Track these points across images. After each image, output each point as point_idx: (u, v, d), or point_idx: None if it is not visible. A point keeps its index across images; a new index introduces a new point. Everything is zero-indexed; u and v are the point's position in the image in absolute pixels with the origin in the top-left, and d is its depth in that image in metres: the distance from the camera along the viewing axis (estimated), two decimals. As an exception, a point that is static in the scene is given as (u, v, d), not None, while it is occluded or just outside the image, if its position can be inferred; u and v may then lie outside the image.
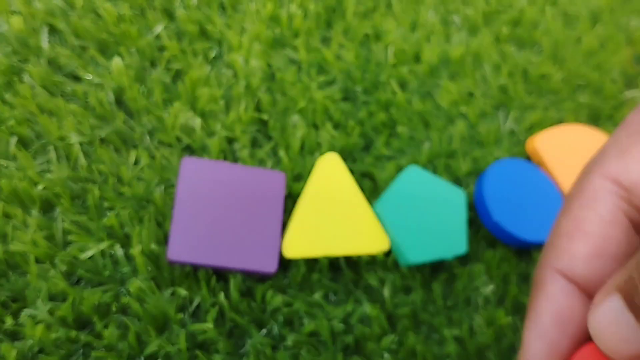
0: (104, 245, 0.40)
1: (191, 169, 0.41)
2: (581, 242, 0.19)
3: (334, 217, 0.42)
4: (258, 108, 0.49)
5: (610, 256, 0.19)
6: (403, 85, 0.54)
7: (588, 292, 0.19)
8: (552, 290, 0.20)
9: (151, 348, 0.37)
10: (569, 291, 0.20)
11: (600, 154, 0.20)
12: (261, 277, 0.42)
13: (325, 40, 0.55)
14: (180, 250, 0.39)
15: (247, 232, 0.41)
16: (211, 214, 0.41)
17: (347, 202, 0.43)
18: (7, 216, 0.40)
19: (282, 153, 0.46)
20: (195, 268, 0.40)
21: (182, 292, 0.39)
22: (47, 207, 0.41)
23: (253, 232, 0.41)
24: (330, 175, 0.43)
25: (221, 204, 0.41)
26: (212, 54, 0.51)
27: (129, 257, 0.40)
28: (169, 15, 0.52)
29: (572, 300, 0.19)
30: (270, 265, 0.40)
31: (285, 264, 0.42)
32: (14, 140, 0.42)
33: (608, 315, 0.16)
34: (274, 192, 0.43)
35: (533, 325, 0.20)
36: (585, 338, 0.19)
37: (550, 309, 0.20)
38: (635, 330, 0.16)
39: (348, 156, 0.48)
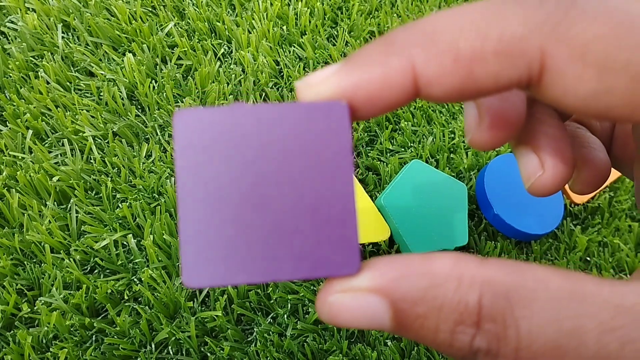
0: (117, 235, 0.41)
1: (191, 129, 0.21)
2: (447, 54, 0.17)
3: None
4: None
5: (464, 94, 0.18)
6: (407, 82, 0.55)
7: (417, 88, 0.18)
8: (395, 73, 0.18)
9: (162, 335, 0.39)
10: (404, 76, 0.18)
11: None
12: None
13: (331, 38, 0.57)
14: (200, 271, 0.22)
15: (300, 217, 0.21)
16: (238, 197, 0.21)
17: None
18: (23, 207, 0.41)
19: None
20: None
21: (192, 281, 0.41)
22: (62, 198, 0.42)
23: (310, 215, 0.21)
24: None
25: (252, 176, 0.21)
26: (222, 51, 0.52)
27: (141, 247, 0.42)
28: (180, 13, 0.54)
29: (405, 91, 0.18)
30: (349, 264, 0.21)
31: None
32: (29, 134, 0.43)
33: (364, 309, 0.18)
34: (335, 137, 0.21)
35: (354, 70, 0.18)
36: (376, 112, 0.18)
37: (381, 82, 0.18)
38: (388, 327, 0.17)
39: (353, 150, 0.50)
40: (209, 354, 0.39)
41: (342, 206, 0.22)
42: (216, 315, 0.40)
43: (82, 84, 0.47)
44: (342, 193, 0.22)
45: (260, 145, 0.20)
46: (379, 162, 0.49)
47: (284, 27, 0.55)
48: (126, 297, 0.40)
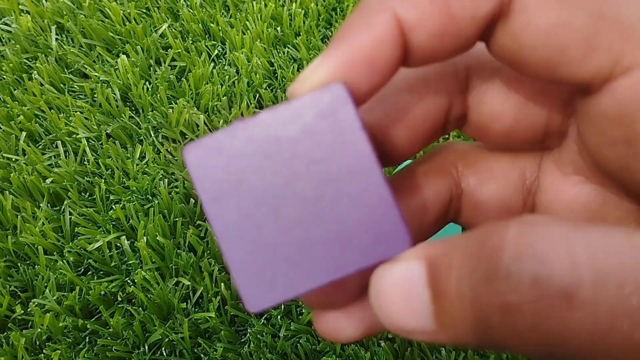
0: (110, 237, 0.41)
1: (204, 161, 0.14)
2: (437, 10, 0.17)
3: None
4: (260, 104, 0.50)
5: (450, 44, 0.17)
6: (402, 82, 0.55)
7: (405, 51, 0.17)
8: (381, 22, 0.17)
9: (155, 336, 0.39)
10: (395, 35, 0.17)
11: None
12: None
13: (326, 39, 0.57)
14: (261, 293, 0.18)
15: (337, 213, 0.18)
16: (271, 212, 0.19)
17: None
18: (16, 209, 0.41)
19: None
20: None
21: (186, 282, 0.41)
22: (56, 200, 0.42)
23: (345, 208, 0.17)
24: None
25: (275, 188, 0.17)
26: (216, 52, 0.52)
27: (134, 249, 0.42)
28: (174, 14, 0.54)
29: (393, 42, 0.16)
30: (400, 243, 0.20)
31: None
32: (23, 135, 0.43)
33: (402, 281, 0.15)
34: (343, 121, 0.18)
35: (343, 44, 0.16)
36: (377, 81, 0.17)
37: (369, 43, 0.17)
38: (423, 307, 0.14)
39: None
40: (202, 355, 0.39)
41: (373, 188, 0.18)
42: (209, 317, 0.40)
43: (75, 86, 0.47)
44: (367, 174, 0.18)
45: (273, 155, 0.18)
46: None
47: (278, 28, 0.55)
48: (119, 299, 0.40)
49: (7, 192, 0.41)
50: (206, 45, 0.52)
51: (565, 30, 0.16)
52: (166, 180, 0.44)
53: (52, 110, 0.45)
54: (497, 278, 0.12)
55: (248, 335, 0.41)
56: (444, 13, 0.16)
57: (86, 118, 0.45)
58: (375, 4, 0.16)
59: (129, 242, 0.42)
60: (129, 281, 0.41)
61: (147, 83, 0.49)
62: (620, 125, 0.17)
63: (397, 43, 0.16)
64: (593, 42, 0.16)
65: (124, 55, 0.49)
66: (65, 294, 0.39)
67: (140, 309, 0.40)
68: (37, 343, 0.38)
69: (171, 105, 0.48)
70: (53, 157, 0.44)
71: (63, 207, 0.42)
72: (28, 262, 0.40)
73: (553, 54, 0.17)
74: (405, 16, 0.16)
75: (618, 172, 0.17)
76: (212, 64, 0.51)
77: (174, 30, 0.52)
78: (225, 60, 0.52)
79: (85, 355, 0.37)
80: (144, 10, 0.53)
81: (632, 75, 0.16)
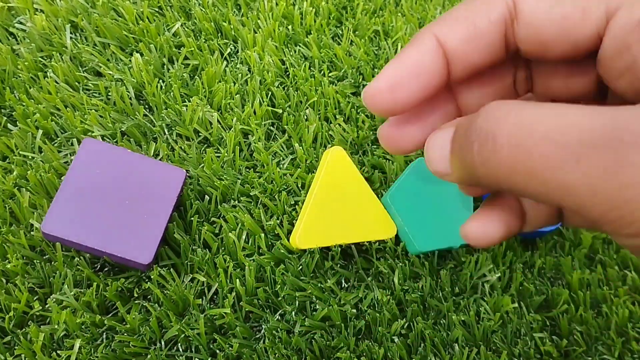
0: (126, 233, 0.42)
1: (90, 150, 0.41)
2: (464, 25, 0.24)
3: (343, 207, 0.44)
4: (272, 102, 0.51)
5: (477, 46, 0.24)
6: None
7: (448, 62, 0.25)
8: (425, 45, 0.24)
9: (172, 332, 0.39)
10: (436, 52, 0.24)
11: None
12: (138, 268, 0.41)
13: (337, 37, 0.57)
14: (56, 224, 0.39)
15: (129, 221, 0.40)
16: (98, 196, 0.40)
17: (355, 192, 0.45)
18: (33, 206, 0.42)
19: (296, 145, 0.48)
20: (79, 251, 0.41)
21: (201, 278, 0.41)
22: (72, 197, 0.43)
23: (136, 222, 0.40)
24: (336, 168, 0.45)
25: (111, 189, 0.41)
26: (228, 50, 0.52)
27: (150, 246, 0.42)
28: (186, 13, 0.54)
29: (436, 59, 0.24)
30: (144, 257, 0.40)
31: (298, 252, 0.44)
32: (39, 133, 0.44)
33: (440, 139, 0.24)
34: (169, 188, 0.42)
35: (396, 61, 0.24)
36: (426, 94, 0.25)
37: (415, 56, 0.24)
38: (446, 157, 0.23)
39: (359, 149, 0.50)
40: (217, 351, 0.40)
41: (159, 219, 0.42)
42: (225, 313, 0.40)
43: (90, 84, 0.48)
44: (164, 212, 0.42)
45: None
46: (384, 161, 0.49)
47: (290, 27, 0.55)
48: (136, 295, 0.41)
49: (24, 189, 0.41)
50: (218, 44, 0.53)
51: (560, 6, 0.22)
52: (181, 177, 0.44)
53: (67, 109, 0.45)
54: (470, 133, 0.21)
55: (263, 331, 0.41)
56: (467, 23, 0.24)
57: (101, 116, 0.46)
58: (420, 31, 0.25)
59: (144, 239, 0.42)
60: (144, 277, 0.41)
61: (160, 81, 0.49)
62: (621, 57, 0.22)
63: (437, 52, 0.24)
64: (585, 4, 0.22)
65: (138, 54, 0.49)
66: (82, 290, 0.40)
67: (157, 305, 0.40)
68: (56, 339, 0.38)
69: (185, 104, 0.48)
70: (69, 155, 0.44)
71: (79, 204, 0.43)
72: (46, 258, 0.40)
73: (559, 26, 0.23)
74: (440, 31, 0.24)
75: (635, 97, 0.22)
76: (225, 63, 0.51)
77: (186, 29, 0.53)
78: (238, 58, 0.53)
79: (103, 351, 0.38)
80: (157, 9, 0.53)
81: (620, 14, 0.21)
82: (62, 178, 0.42)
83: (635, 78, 0.22)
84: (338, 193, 0.44)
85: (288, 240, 0.43)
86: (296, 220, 0.45)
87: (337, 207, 0.44)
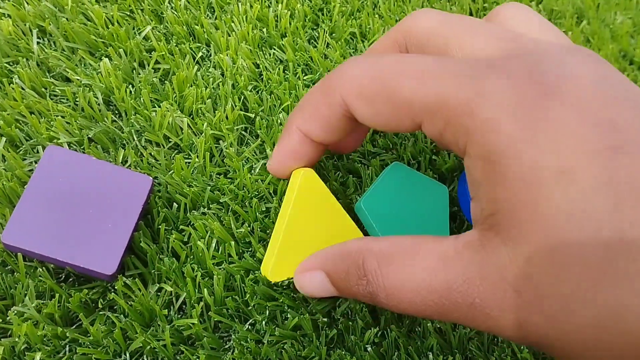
0: (90, 243, 0.41)
1: (53, 158, 0.40)
2: (318, 120, 0.36)
3: (317, 232, 0.41)
4: (245, 107, 0.50)
5: (333, 130, 0.36)
6: (389, 83, 0.54)
7: (316, 142, 0.38)
8: (294, 137, 0.38)
9: (137, 344, 0.38)
10: (304, 141, 0.38)
11: None
12: (103, 279, 0.40)
13: (312, 40, 0.56)
14: (16, 235, 0.38)
15: (93, 231, 0.39)
16: (61, 206, 0.39)
17: (328, 216, 0.42)
18: (-4, 216, 0.41)
19: (269, 151, 0.47)
20: (42, 262, 0.40)
21: (168, 288, 0.40)
22: (36, 206, 0.42)
23: (100, 232, 0.39)
24: (308, 192, 0.41)
25: (74, 198, 0.39)
26: (200, 54, 0.52)
27: (115, 255, 0.41)
28: (158, 16, 0.53)
29: (305, 146, 0.38)
30: (108, 267, 0.39)
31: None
32: (3, 141, 0.43)
33: (314, 281, 0.36)
34: (135, 196, 0.41)
35: (277, 148, 0.40)
36: (309, 163, 0.40)
37: (289, 146, 0.38)
38: (332, 291, 0.35)
39: (333, 153, 0.49)
40: (184, 363, 0.39)
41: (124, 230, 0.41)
42: (192, 323, 0.39)
43: (57, 90, 0.47)
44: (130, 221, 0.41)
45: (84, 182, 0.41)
46: (360, 165, 0.48)
47: (264, 30, 0.54)
48: (100, 306, 0.40)
49: (-14, 198, 0.40)
50: (191, 48, 0.52)
51: (378, 117, 0.33)
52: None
53: (33, 115, 0.44)
54: (350, 274, 0.32)
55: (232, 342, 0.40)
56: (319, 116, 0.36)
57: (68, 122, 0.45)
58: (287, 123, 0.39)
59: (110, 248, 0.41)
60: (110, 288, 0.40)
61: (130, 86, 0.48)
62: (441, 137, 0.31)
63: (304, 141, 0.38)
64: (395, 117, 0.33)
65: (106, 59, 0.48)
66: (45, 301, 0.39)
67: (122, 316, 0.39)
68: (17, 352, 0.37)
69: (154, 109, 0.47)
70: (34, 163, 0.43)
71: (43, 213, 0.41)
72: (7, 269, 0.39)
73: (381, 125, 0.34)
74: (303, 127, 0.37)
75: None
76: (197, 67, 0.50)
77: (157, 32, 0.52)
78: (210, 62, 0.52)
79: (65, 364, 0.37)
80: (128, 13, 0.52)
81: (426, 125, 0.31)
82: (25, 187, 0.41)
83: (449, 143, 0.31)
84: (311, 218, 0.41)
85: (260, 249, 0.42)
86: (268, 239, 0.42)
87: (311, 234, 0.41)
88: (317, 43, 0.55)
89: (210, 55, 0.52)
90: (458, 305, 0.26)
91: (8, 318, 0.38)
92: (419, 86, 0.28)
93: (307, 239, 0.41)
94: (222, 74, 0.51)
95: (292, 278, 0.40)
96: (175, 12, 0.53)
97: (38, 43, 0.48)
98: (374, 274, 0.29)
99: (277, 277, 0.40)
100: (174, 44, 0.51)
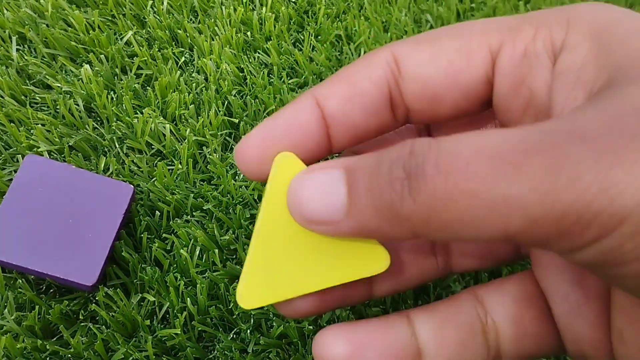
0: (71, 253, 0.40)
1: (32, 167, 0.40)
2: (343, 86, 0.23)
3: (304, 237, 0.25)
4: (229, 112, 0.49)
5: (357, 106, 0.24)
6: (376, 85, 0.54)
7: (327, 123, 0.24)
8: (300, 104, 0.24)
9: (118, 355, 0.37)
10: (312, 110, 0.23)
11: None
12: (84, 290, 0.40)
13: (298, 42, 0.55)
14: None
15: (72, 241, 0.39)
16: (40, 216, 0.39)
17: None
18: (-25, 227, 0.40)
19: (252, 157, 0.46)
20: (22, 273, 0.39)
21: (151, 298, 0.40)
22: (15, 216, 0.41)
23: (80, 242, 0.39)
24: (284, 184, 0.24)
25: (54, 207, 0.39)
26: (183, 59, 0.51)
27: (97, 265, 0.40)
28: (140, 21, 0.52)
29: (310, 118, 0.23)
30: (89, 278, 0.38)
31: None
32: (-19, 150, 0.42)
33: (321, 186, 0.20)
34: (116, 205, 0.40)
35: (269, 119, 0.24)
36: (300, 153, 0.23)
37: (289, 114, 0.24)
38: (335, 203, 0.20)
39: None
40: (167, 374, 0.38)
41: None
42: (175, 333, 0.39)
43: (37, 97, 0.46)
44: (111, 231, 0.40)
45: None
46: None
47: (248, 33, 0.54)
48: (82, 317, 0.39)
49: (-35, 209, 0.40)
50: (173, 52, 0.51)
51: (444, 53, 0.23)
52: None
53: (12, 124, 0.44)
54: (389, 170, 0.18)
55: (216, 351, 0.40)
56: (347, 83, 0.24)
57: (48, 130, 0.44)
58: (301, 95, 0.24)
59: (92, 257, 0.40)
60: (91, 298, 0.40)
61: (111, 92, 0.47)
62: (517, 93, 0.22)
63: (312, 110, 0.23)
64: (467, 48, 0.23)
65: (87, 65, 0.47)
66: (25, 313, 0.38)
67: (104, 327, 0.39)
68: (-3, 365, 0.36)
69: (136, 115, 0.47)
70: (13, 172, 0.42)
71: (23, 223, 0.41)
72: (-14, 281, 0.39)
73: (445, 73, 0.23)
74: (320, 92, 0.24)
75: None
76: (180, 72, 0.50)
77: (139, 37, 0.51)
78: (193, 67, 0.51)
79: (45, 378, 0.36)
80: (109, 18, 0.51)
81: (504, 51, 0.22)
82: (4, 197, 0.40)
83: (537, 111, 0.21)
84: (293, 220, 0.25)
85: (244, 254, 0.42)
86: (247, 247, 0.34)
87: (294, 242, 0.25)
88: (302, 46, 0.55)
89: (194, 60, 0.51)
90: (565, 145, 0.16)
91: (-13, 331, 0.37)
92: None
93: (289, 248, 0.25)
94: (206, 79, 0.50)
95: (272, 304, 0.26)
96: (158, 17, 0.52)
97: (18, 50, 0.48)
98: (424, 147, 0.18)
99: (251, 303, 0.25)
100: (157, 49, 0.50)
